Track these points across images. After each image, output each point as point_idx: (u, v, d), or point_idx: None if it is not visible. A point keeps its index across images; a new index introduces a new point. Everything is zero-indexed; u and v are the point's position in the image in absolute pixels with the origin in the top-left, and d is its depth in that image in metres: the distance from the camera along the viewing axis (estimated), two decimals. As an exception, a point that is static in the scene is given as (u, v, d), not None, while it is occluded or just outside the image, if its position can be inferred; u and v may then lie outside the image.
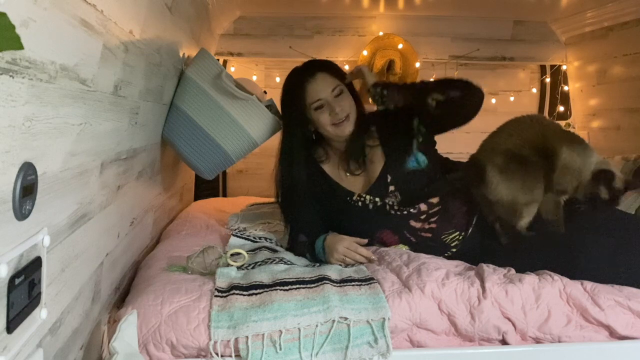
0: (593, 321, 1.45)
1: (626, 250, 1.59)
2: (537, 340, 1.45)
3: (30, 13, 0.74)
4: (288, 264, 1.67)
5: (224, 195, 3.30)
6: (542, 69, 3.30)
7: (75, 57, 0.97)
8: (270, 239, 1.97)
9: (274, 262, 1.65)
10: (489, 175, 1.69)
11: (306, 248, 1.80)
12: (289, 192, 1.86)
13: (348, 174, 1.87)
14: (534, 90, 3.35)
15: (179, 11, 1.77)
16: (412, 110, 1.81)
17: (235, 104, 1.98)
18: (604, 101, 2.87)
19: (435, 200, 1.78)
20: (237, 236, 1.96)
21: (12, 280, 0.81)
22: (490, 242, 1.76)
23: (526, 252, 1.67)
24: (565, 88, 3.19)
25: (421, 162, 1.81)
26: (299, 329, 1.34)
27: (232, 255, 1.65)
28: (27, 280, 0.86)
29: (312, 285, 1.46)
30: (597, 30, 2.73)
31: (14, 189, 0.79)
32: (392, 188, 1.79)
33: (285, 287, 1.44)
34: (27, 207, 0.84)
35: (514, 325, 1.44)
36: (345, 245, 1.69)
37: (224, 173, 3.26)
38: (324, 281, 1.47)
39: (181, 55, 2.02)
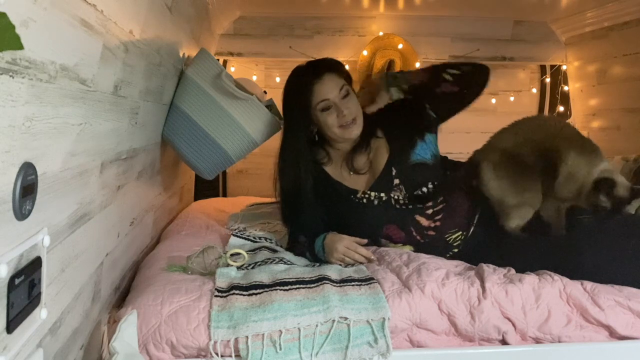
0: (593, 321, 1.45)
1: (626, 250, 1.58)
2: (537, 340, 1.45)
3: (30, 13, 0.75)
4: (288, 264, 1.67)
5: (224, 195, 3.30)
6: (542, 69, 3.30)
7: (75, 57, 0.97)
8: (270, 239, 1.97)
9: (274, 262, 1.65)
10: (483, 171, 1.73)
11: (306, 247, 1.80)
12: (290, 193, 1.84)
13: (352, 173, 1.86)
14: (534, 90, 3.34)
15: (179, 11, 1.77)
16: (420, 99, 1.85)
17: (235, 104, 1.98)
18: (604, 101, 2.87)
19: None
20: (237, 236, 1.96)
21: (12, 280, 0.81)
22: (491, 242, 1.76)
23: (526, 252, 1.67)
24: (565, 88, 3.19)
25: (427, 153, 1.82)
26: (299, 329, 1.34)
27: (232, 255, 1.65)
28: (27, 280, 0.86)
29: (312, 285, 1.46)
30: (597, 30, 2.73)
31: (14, 189, 0.79)
32: (396, 181, 1.79)
33: (285, 287, 1.44)
34: (27, 207, 0.84)
35: (514, 325, 1.44)
36: (345, 244, 1.69)
37: (224, 173, 3.26)
38: (324, 281, 1.47)
39: (181, 55, 2.02)
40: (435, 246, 1.76)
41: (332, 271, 1.58)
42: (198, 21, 2.25)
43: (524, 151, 1.69)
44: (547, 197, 1.70)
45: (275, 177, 1.89)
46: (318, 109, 1.78)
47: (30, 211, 0.85)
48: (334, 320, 1.36)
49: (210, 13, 2.47)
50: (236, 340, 1.32)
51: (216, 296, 1.41)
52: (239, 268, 1.60)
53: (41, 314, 0.93)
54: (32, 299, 0.89)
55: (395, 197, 1.78)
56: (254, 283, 1.47)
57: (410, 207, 1.77)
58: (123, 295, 1.60)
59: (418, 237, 1.78)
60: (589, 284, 1.50)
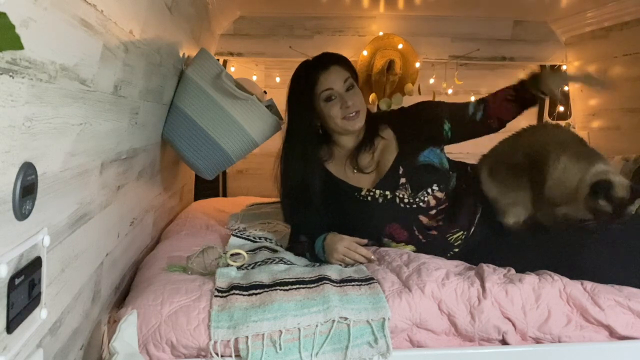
0: (593, 321, 1.45)
1: (626, 250, 1.58)
2: (537, 341, 1.45)
3: (30, 13, 0.74)
4: (288, 264, 1.67)
5: (224, 195, 3.31)
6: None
7: (75, 57, 0.97)
8: (270, 239, 1.97)
9: (274, 262, 1.65)
10: (481, 173, 1.82)
11: (306, 248, 1.80)
12: (295, 189, 1.83)
13: (355, 171, 1.85)
14: (534, 90, 3.34)
15: (179, 11, 1.77)
16: (439, 115, 1.87)
17: (235, 104, 1.98)
18: (604, 101, 2.87)
19: (442, 195, 1.78)
20: (237, 236, 1.96)
21: (12, 280, 0.81)
22: (491, 242, 1.76)
23: (526, 252, 1.67)
24: (566, 88, 3.19)
25: (435, 158, 1.83)
26: (299, 329, 1.34)
27: (232, 255, 1.65)
28: (27, 280, 0.86)
29: (312, 285, 1.46)
30: (597, 30, 2.73)
31: (14, 189, 0.79)
32: (403, 180, 1.79)
33: (285, 287, 1.44)
34: (27, 207, 0.84)
35: (514, 325, 1.44)
36: (345, 244, 1.69)
37: (224, 173, 3.26)
38: (324, 281, 1.47)
39: (181, 55, 2.02)
40: (436, 246, 1.76)
41: (332, 271, 1.58)
42: (198, 21, 2.25)
43: (517, 156, 1.75)
44: (541, 201, 1.69)
45: (276, 176, 1.88)
46: (322, 98, 1.78)
47: (30, 211, 0.85)
48: (334, 321, 1.36)
49: (210, 13, 2.47)
50: (236, 340, 1.32)
51: (216, 296, 1.41)
52: (239, 268, 1.60)
53: (41, 314, 0.92)
54: (32, 299, 0.89)
55: (401, 195, 1.78)
56: (254, 283, 1.47)
57: (415, 206, 1.77)
58: (123, 295, 1.60)
59: (420, 237, 1.78)
60: (589, 284, 1.50)
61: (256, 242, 1.92)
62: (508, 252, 1.69)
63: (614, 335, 1.46)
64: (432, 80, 3.16)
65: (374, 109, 2.97)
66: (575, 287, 1.48)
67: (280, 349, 1.31)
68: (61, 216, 1.04)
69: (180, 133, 2.00)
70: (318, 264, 1.72)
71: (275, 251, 1.82)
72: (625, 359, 1.46)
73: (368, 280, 1.51)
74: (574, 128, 3.15)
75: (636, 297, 1.47)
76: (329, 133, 1.88)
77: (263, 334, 1.32)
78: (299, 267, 1.65)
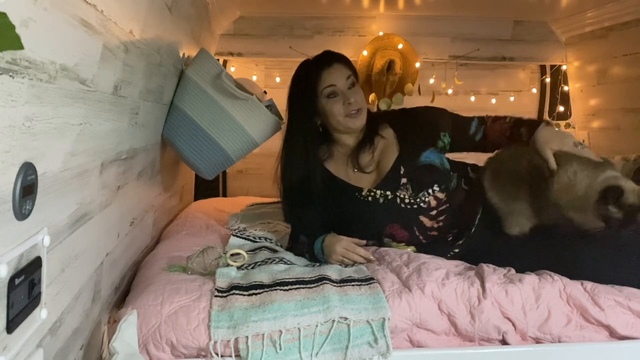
0: (593, 321, 1.45)
1: (626, 250, 1.58)
2: (537, 340, 1.45)
3: (30, 13, 0.74)
4: (288, 264, 1.67)
5: (224, 195, 3.31)
6: (542, 69, 3.30)
7: (75, 57, 0.97)
8: (270, 239, 1.97)
9: (274, 262, 1.65)
10: (484, 179, 1.82)
11: (306, 248, 1.80)
12: (296, 188, 1.83)
13: (356, 171, 1.85)
14: (534, 90, 3.35)
15: (179, 11, 1.77)
16: (439, 124, 1.87)
17: (235, 104, 1.98)
18: (604, 101, 2.87)
19: (442, 195, 1.78)
20: (237, 236, 1.96)
21: (12, 280, 0.81)
22: (491, 242, 1.76)
23: (526, 252, 1.67)
24: (565, 88, 3.19)
25: (436, 159, 1.83)
26: (299, 329, 1.34)
27: (232, 255, 1.65)
28: (27, 280, 0.86)
29: (312, 285, 1.46)
30: (597, 30, 2.74)
31: (14, 189, 0.79)
32: (404, 180, 1.79)
33: (285, 287, 1.44)
34: (27, 207, 0.84)
35: (514, 325, 1.44)
36: (344, 245, 1.69)
37: (224, 173, 3.27)
38: (324, 281, 1.47)
39: (181, 55, 2.02)
40: (437, 246, 1.76)
41: (332, 271, 1.58)
42: (198, 21, 2.25)
43: (521, 163, 1.74)
44: (546, 206, 1.67)
45: (276, 175, 1.88)
46: (324, 94, 1.78)
47: (30, 211, 0.85)
48: (334, 321, 1.36)
49: (210, 13, 2.47)
50: (236, 340, 1.32)
51: (216, 296, 1.41)
52: (239, 268, 1.60)
53: (41, 314, 0.92)
54: (32, 299, 0.89)
55: (401, 196, 1.78)
56: (254, 283, 1.47)
57: (415, 207, 1.77)
58: (123, 295, 1.60)
59: (421, 237, 1.78)
60: (589, 284, 1.50)
61: (256, 242, 1.92)
62: (508, 252, 1.69)
63: (614, 335, 1.46)
64: (432, 80, 3.16)
65: (374, 109, 2.97)
66: (575, 287, 1.48)
67: (280, 349, 1.31)
68: (61, 216, 1.04)
69: (180, 133, 2.00)
70: (318, 264, 1.72)
71: (275, 251, 1.82)
72: (625, 359, 1.46)
73: (368, 280, 1.51)
74: (574, 128, 3.15)
75: (636, 297, 1.47)
76: (330, 132, 1.88)
77: (263, 334, 1.32)
78: (299, 267, 1.65)
